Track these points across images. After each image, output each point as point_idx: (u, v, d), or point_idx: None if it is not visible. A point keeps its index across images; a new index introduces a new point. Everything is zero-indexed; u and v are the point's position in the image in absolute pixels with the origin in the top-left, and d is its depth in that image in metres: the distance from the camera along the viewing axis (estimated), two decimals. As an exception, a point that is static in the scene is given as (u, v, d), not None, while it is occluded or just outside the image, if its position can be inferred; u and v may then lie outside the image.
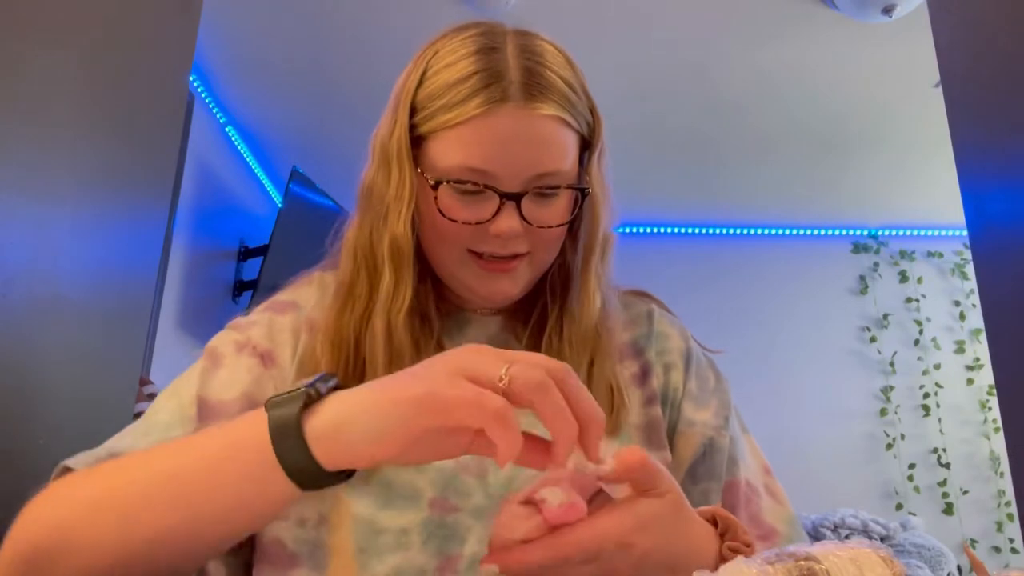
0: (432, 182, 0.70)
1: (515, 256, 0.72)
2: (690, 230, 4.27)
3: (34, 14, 1.03)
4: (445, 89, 0.70)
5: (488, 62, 0.70)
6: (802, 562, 0.44)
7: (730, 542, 0.58)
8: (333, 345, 0.71)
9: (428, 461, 0.54)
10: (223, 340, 0.74)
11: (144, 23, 1.31)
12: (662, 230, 4.23)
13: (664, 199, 3.94)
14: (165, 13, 1.37)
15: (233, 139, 3.39)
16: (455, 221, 0.70)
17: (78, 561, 0.54)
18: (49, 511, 0.58)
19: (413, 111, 0.72)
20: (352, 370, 0.71)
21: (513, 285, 0.73)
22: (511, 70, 0.69)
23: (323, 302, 0.77)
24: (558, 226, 0.72)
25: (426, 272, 0.76)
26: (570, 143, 0.72)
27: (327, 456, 0.51)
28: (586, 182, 0.75)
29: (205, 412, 0.68)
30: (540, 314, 0.77)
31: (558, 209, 0.72)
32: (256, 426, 0.52)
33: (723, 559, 0.57)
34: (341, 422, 0.51)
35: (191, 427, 0.66)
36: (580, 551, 0.51)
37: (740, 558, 0.46)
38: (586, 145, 0.76)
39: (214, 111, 3.17)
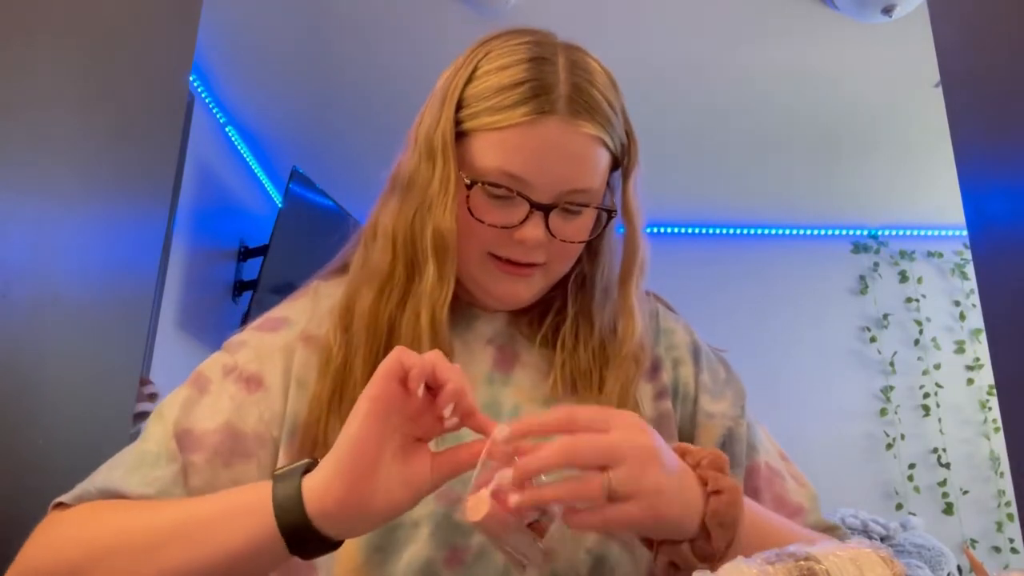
0: (468, 181, 0.71)
1: (532, 264, 0.73)
2: (690, 230, 4.26)
3: (34, 14, 1.03)
4: (494, 91, 0.71)
5: (539, 72, 0.71)
6: (802, 562, 0.44)
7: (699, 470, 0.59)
8: (368, 331, 0.72)
9: (415, 489, 0.58)
10: (212, 364, 0.75)
11: (144, 23, 1.31)
12: (661, 230, 4.23)
13: (663, 199, 3.94)
14: (165, 13, 1.37)
15: (233, 139, 3.39)
16: (482, 223, 0.71)
17: None
18: (58, 548, 0.61)
19: (459, 107, 0.73)
20: (382, 355, 0.71)
21: (527, 290, 0.75)
22: (561, 84, 0.71)
23: (317, 314, 0.77)
24: (579, 242, 0.74)
25: None
26: (603, 163, 0.74)
27: (321, 516, 0.56)
28: (618, 203, 0.77)
29: (186, 443, 0.69)
30: (555, 317, 0.78)
31: (581, 225, 0.74)
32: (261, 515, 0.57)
33: (703, 482, 0.58)
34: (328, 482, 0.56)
35: (176, 464, 0.68)
36: (595, 451, 0.53)
37: (740, 558, 0.46)
38: (616, 164, 0.77)
39: (214, 111, 3.17)
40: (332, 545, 0.57)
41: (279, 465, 0.70)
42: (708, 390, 0.79)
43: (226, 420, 0.70)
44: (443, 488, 0.67)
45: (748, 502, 0.62)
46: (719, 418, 0.77)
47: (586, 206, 0.72)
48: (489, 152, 0.71)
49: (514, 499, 0.53)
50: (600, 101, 0.72)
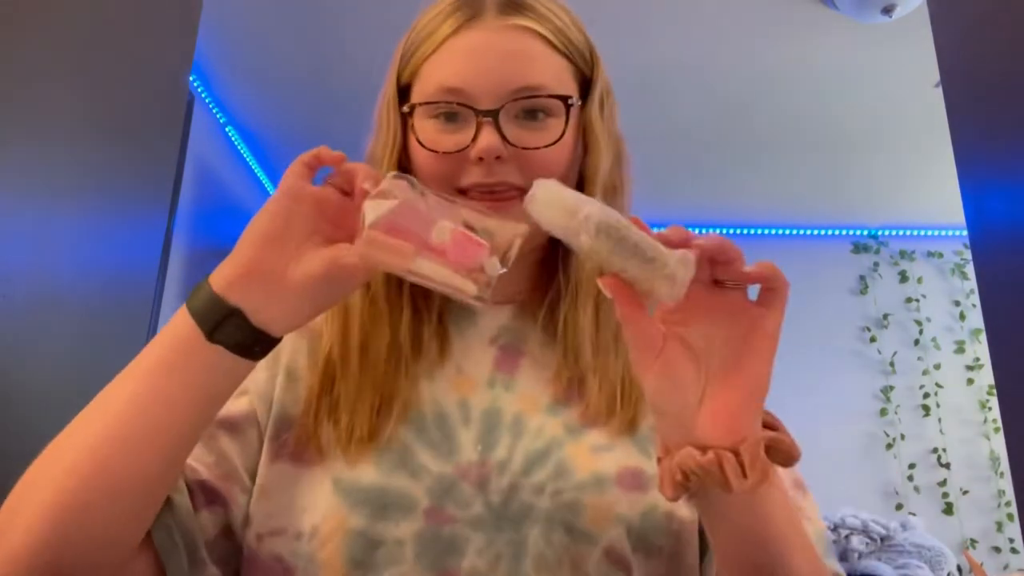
0: (406, 109, 0.69)
1: (507, 190, 0.66)
2: (689, 230, 4.26)
3: (34, 14, 1.03)
4: (423, 25, 0.70)
5: None
6: None
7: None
8: (337, 312, 0.70)
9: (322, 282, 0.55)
10: None
11: (144, 23, 1.31)
12: (661, 230, 4.23)
13: (663, 199, 3.94)
14: (165, 13, 1.37)
15: (233, 139, 3.39)
16: (436, 152, 0.66)
17: (38, 495, 0.55)
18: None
19: (400, 61, 0.72)
20: (355, 333, 0.69)
21: None
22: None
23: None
24: (546, 146, 0.66)
25: None
26: (556, 65, 0.69)
27: (225, 285, 0.55)
28: (587, 125, 0.70)
29: (228, 427, 0.67)
30: (554, 296, 0.73)
31: (548, 132, 0.67)
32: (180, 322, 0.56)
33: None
34: (233, 263, 0.56)
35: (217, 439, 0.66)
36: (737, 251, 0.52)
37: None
38: (586, 84, 0.72)
39: (214, 111, 3.17)
40: (253, 330, 0.55)
41: (263, 451, 0.67)
42: None
43: (254, 392, 0.68)
44: (430, 504, 0.62)
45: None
46: None
47: (537, 97, 0.66)
48: (426, 79, 0.68)
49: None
50: (534, 4, 0.69)
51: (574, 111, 0.69)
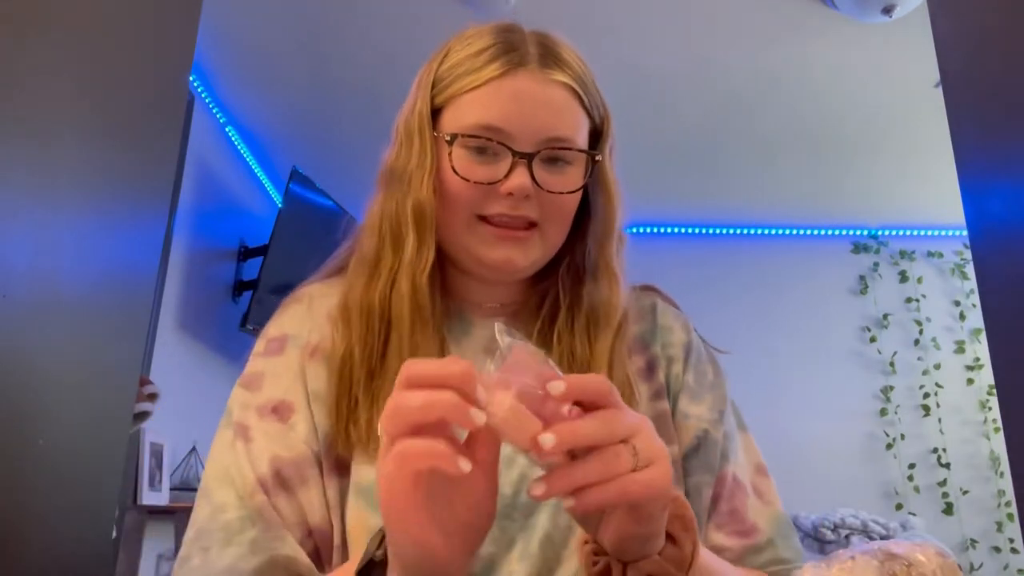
0: (447, 138, 0.72)
1: (526, 225, 0.73)
2: (690, 230, 4.27)
3: (34, 14, 1.03)
4: (465, 59, 0.74)
5: (508, 37, 0.74)
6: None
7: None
8: (363, 314, 0.73)
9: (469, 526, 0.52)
10: (244, 411, 0.73)
11: (144, 23, 1.31)
12: (661, 230, 4.23)
13: (663, 199, 3.94)
14: (165, 13, 1.37)
15: (233, 139, 3.39)
16: (468, 180, 0.71)
17: None
18: None
19: (434, 85, 0.75)
20: (378, 335, 0.72)
21: (523, 256, 0.74)
22: (529, 44, 0.74)
23: (317, 322, 0.77)
24: (569, 193, 0.73)
25: (438, 256, 0.76)
26: (582, 120, 0.75)
27: None
28: (599, 173, 0.76)
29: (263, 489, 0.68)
30: (550, 310, 0.78)
31: (569, 179, 0.74)
32: None
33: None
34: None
35: (260, 520, 0.66)
36: (624, 424, 0.49)
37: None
38: (596, 135, 0.78)
39: (214, 111, 3.17)
40: None
41: (326, 483, 0.70)
42: (690, 390, 0.78)
43: (273, 454, 0.70)
44: None
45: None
46: (694, 419, 0.76)
47: (569, 150, 0.73)
48: (467, 111, 0.72)
49: (541, 489, 0.48)
50: (569, 60, 0.74)
51: (592, 163, 0.76)
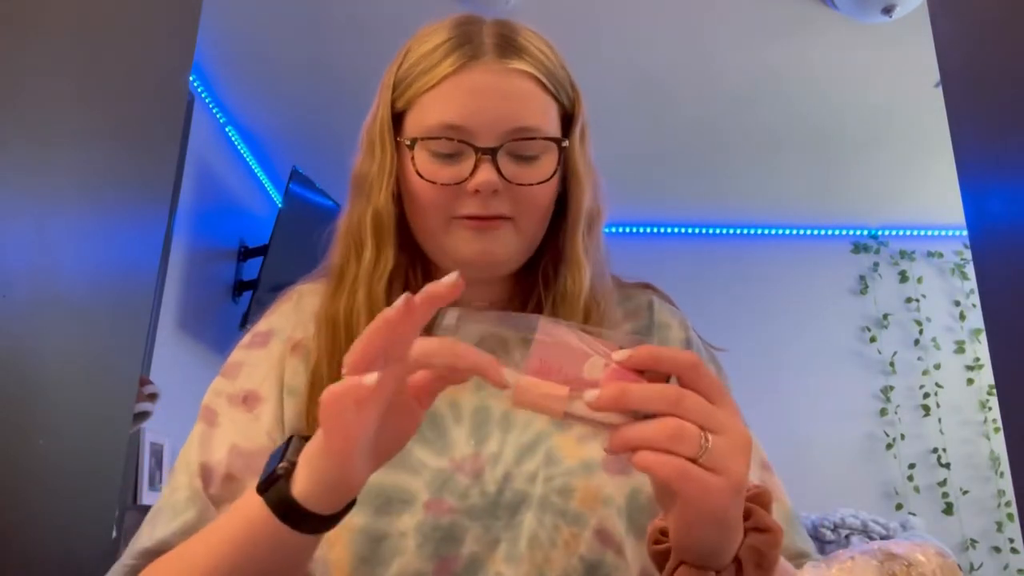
0: (408, 142, 0.71)
1: (496, 217, 0.71)
2: (690, 230, 4.26)
3: (34, 14, 1.03)
4: (421, 58, 0.72)
5: (463, 30, 0.73)
6: None
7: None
8: (327, 326, 0.73)
9: (403, 434, 0.53)
10: (216, 397, 0.74)
11: (144, 23, 1.31)
12: (662, 230, 4.23)
13: (663, 199, 3.94)
14: (165, 13, 1.37)
15: (233, 139, 3.39)
16: (434, 183, 0.70)
17: None
18: None
19: (395, 88, 0.74)
20: (344, 348, 0.70)
21: (501, 248, 0.72)
22: (485, 35, 0.72)
23: (302, 319, 0.77)
24: (538, 184, 0.71)
25: (416, 259, 0.76)
26: (547, 105, 0.73)
27: (325, 507, 0.51)
28: (567, 158, 0.74)
29: (207, 477, 0.69)
30: (536, 305, 0.77)
31: (539, 170, 0.72)
32: (260, 509, 0.53)
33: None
34: (314, 482, 0.51)
35: (200, 502, 0.67)
36: (702, 412, 0.47)
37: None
38: (568, 120, 0.76)
39: (214, 111, 3.17)
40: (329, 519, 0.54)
41: None
42: None
43: (231, 443, 0.70)
44: (429, 497, 0.66)
45: (782, 562, 0.55)
46: None
47: (534, 138, 0.70)
48: (427, 112, 0.71)
49: (607, 442, 0.47)
50: (527, 46, 0.72)
51: (563, 150, 0.74)
